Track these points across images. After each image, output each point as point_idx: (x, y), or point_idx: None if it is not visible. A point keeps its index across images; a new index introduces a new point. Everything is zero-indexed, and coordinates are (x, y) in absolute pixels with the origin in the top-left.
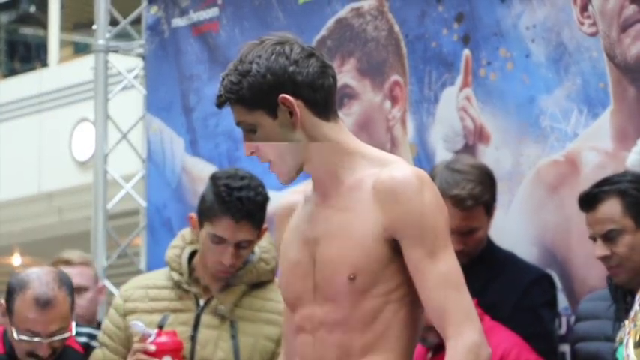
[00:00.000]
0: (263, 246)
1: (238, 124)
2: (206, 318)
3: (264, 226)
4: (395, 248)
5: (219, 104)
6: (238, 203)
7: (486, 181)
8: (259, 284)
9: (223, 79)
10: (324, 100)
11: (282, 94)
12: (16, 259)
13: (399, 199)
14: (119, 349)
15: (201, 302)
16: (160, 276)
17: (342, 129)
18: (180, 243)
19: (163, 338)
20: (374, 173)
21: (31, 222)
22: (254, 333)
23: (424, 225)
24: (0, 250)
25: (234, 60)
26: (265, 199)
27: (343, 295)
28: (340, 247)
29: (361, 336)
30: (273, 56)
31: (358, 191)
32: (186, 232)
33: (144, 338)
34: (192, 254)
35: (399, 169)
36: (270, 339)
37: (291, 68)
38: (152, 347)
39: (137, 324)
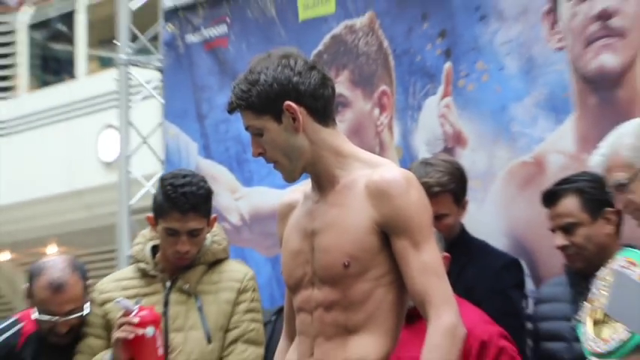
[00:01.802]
0: (213, 231)
1: (247, 128)
2: (174, 296)
3: (214, 215)
4: (384, 239)
5: (231, 110)
6: (183, 198)
7: (454, 173)
8: (215, 262)
9: (234, 87)
10: (323, 108)
11: (287, 101)
12: (51, 249)
13: (388, 197)
14: (101, 334)
15: (168, 284)
16: (128, 271)
17: (338, 134)
18: (141, 240)
19: (144, 312)
20: (366, 174)
21: (63, 217)
22: (216, 301)
23: (410, 220)
24: (37, 242)
25: (245, 71)
26: (208, 192)
27: (339, 279)
28: (336, 238)
29: (354, 315)
30: (279, 68)
31: (352, 189)
32: (145, 232)
33: (127, 313)
34: (154, 249)
35: (389, 170)
36: (229, 302)
37: (295, 79)
38: (136, 319)
39: (121, 301)
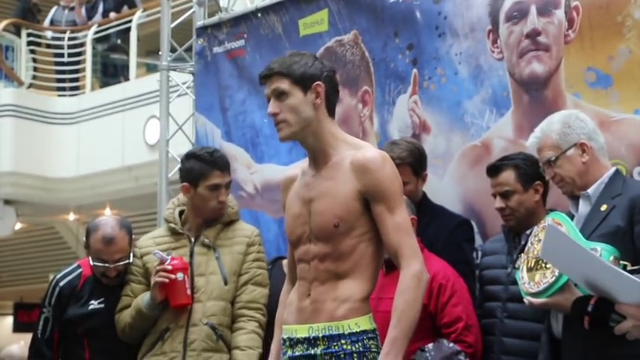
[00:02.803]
0: (229, 199)
1: (273, 91)
2: (197, 249)
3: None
4: (365, 205)
5: (266, 76)
6: (220, 160)
7: (414, 150)
8: (230, 223)
9: (275, 61)
10: (333, 102)
11: (318, 82)
12: (107, 212)
13: (369, 171)
14: (142, 280)
15: (192, 240)
16: (161, 230)
17: (335, 123)
18: (171, 206)
19: (176, 261)
20: (351, 154)
21: (117, 186)
22: (230, 252)
23: (386, 189)
24: (96, 205)
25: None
26: (226, 157)
27: (330, 236)
28: (328, 204)
29: (342, 264)
30: (316, 61)
31: (340, 166)
32: (174, 200)
33: (162, 262)
34: (181, 213)
35: (369, 150)
36: (240, 252)
37: (325, 73)
38: (169, 267)
39: (157, 252)
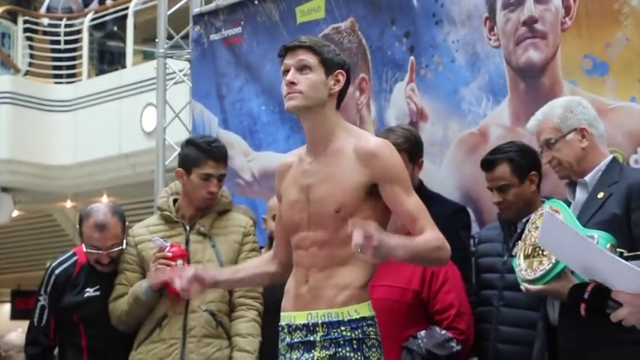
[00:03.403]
0: (223, 189)
1: (298, 62)
2: (193, 237)
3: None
4: (367, 193)
5: (293, 47)
6: (217, 150)
7: (409, 137)
8: (224, 212)
9: (307, 38)
10: (343, 95)
11: (341, 70)
12: (104, 199)
13: (377, 157)
14: (137, 269)
15: (188, 227)
16: (154, 219)
17: (339, 116)
18: (165, 195)
19: (175, 248)
20: (353, 141)
21: (114, 173)
22: (226, 241)
23: (398, 173)
24: (93, 193)
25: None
26: (226, 148)
27: (330, 222)
28: (329, 190)
29: (341, 250)
30: (341, 54)
31: (341, 153)
32: (167, 188)
33: (161, 249)
34: (174, 202)
35: (372, 138)
36: (236, 242)
37: (346, 65)
38: (169, 254)
39: (158, 240)
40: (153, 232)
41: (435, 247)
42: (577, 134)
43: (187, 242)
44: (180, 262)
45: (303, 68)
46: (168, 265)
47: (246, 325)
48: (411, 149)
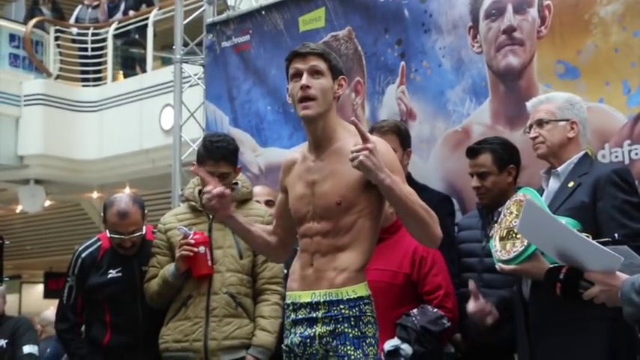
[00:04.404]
0: (242, 179)
1: (310, 67)
2: (215, 225)
3: (239, 166)
4: (365, 185)
5: (302, 54)
6: (216, 150)
7: (399, 125)
8: (244, 201)
9: (315, 46)
10: (339, 98)
11: (343, 76)
12: (127, 190)
13: (377, 153)
14: (167, 252)
15: (211, 216)
16: (182, 208)
17: (338, 116)
18: (191, 185)
19: (198, 235)
20: (352, 140)
21: (135, 167)
22: None
23: (394, 166)
24: (117, 185)
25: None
26: (235, 148)
27: (333, 213)
28: (332, 185)
29: (342, 238)
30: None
31: (342, 150)
32: (195, 179)
33: (186, 236)
34: (200, 192)
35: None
36: None
37: (344, 71)
38: (192, 241)
39: (181, 228)
40: (180, 220)
41: (426, 210)
42: (568, 124)
43: (210, 230)
44: (202, 248)
45: (315, 73)
46: (191, 251)
47: (269, 307)
48: (401, 134)
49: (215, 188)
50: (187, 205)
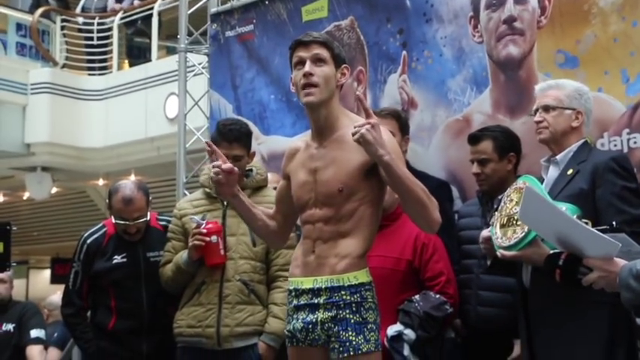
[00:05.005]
0: (257, 166)
1: (313, 55)
2: (229, 212)
3: (252, 151)
4: (366, 172)
5: (306, 42)
6: (229, 132)
7: (398, 111)
8: (258, 188)
9: (318, 34)
10: (341, 87)
11: (346, 65)
12: (132, 178)
13: None
14: (181, 238)
15: (225, 203)
16: (197, 194)
17: (340, 104)
18: (207, 172)
19: (210, 225)
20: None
21: (140, 155)
22: None
23: (396, 151)
24: (122, 172)
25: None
26: (248, 131)
27: (334, 200)
28: (334, 172)
29: (344, 224)
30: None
31: (344, 138)
32: (210, 166)
33: (198, 226)
34: None
35: None
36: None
37: (346, 60)
38: (204, 230)
39: (194, 218)
40: (195, 207)
41: (426, 193)
42: (574, 114)
43: (224, 216)
44: (214, 237)
45: (317, 61)
46: (203, 241)
47: (282, 295)
48: (400, 119)
49: (225, 164)
50: (202, 192)
